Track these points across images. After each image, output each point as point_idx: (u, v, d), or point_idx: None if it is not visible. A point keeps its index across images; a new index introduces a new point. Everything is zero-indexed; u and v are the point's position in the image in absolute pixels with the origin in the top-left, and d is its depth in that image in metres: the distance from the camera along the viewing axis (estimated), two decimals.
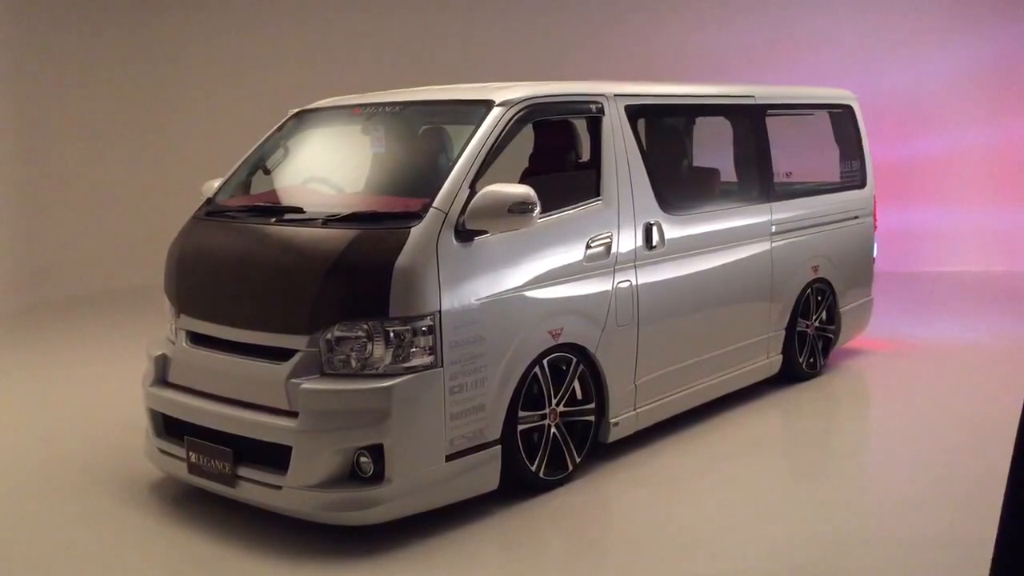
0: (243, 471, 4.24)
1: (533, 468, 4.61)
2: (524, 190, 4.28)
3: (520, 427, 4.52)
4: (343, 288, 4.11)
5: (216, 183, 5.21)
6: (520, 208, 4.25)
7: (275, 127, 5.38)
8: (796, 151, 6.85)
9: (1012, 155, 10.73)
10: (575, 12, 11.31)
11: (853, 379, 6.89)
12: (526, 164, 5.29)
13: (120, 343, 8.33)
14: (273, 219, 4.59)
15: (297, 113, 5.42)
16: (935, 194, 10.95)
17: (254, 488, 4.22)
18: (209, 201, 5.08)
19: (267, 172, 5.22)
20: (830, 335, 6.87)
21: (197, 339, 4.59)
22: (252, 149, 5.31)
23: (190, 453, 4.44)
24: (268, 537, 4.27)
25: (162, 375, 4.71)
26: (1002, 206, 10.76)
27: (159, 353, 4.72)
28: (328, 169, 5.23)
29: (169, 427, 4.65)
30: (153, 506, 4.71)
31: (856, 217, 7.10)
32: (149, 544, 4.36)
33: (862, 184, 7.21)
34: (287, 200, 4.88)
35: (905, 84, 10.68)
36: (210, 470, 4.35)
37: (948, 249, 11.01)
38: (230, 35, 11.64)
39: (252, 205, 4.88)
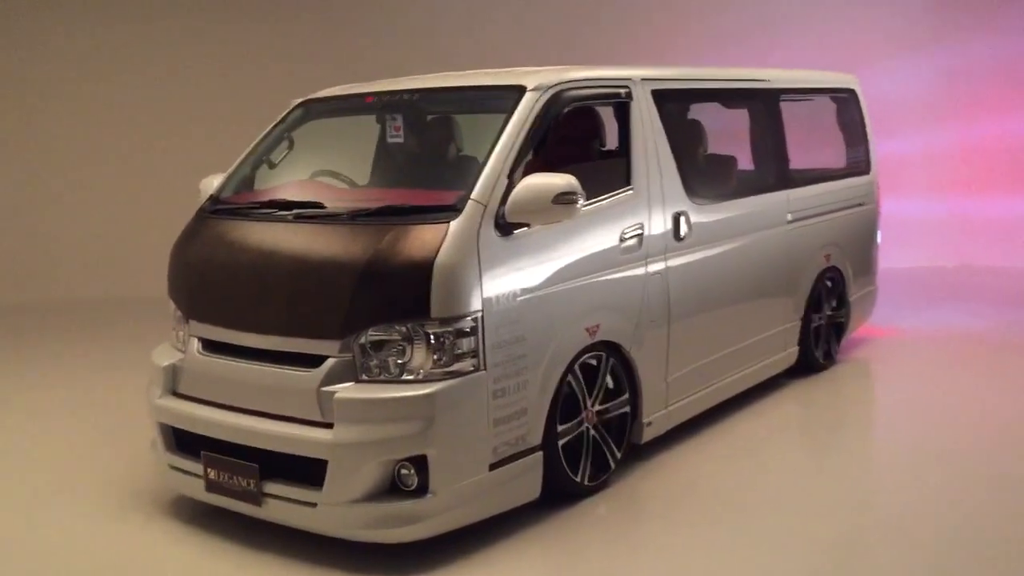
0: (270, 488, 3.93)
1: (574, 476, 4.37)
2: (568, 179, 4.01)
3: (560, 432, 4.28)
4: (379, 288, 3.80)
5: (215, 179, 4.86)
6: (565, 199, 3.99)
7: (278, 119, 5.05)
8: (804, 136, 6.67)
9: (985, 152, 10.76)
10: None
11: (863, 370, 6.75)
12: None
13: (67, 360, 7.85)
14: (291, 215, 4.27)
15: (302, 103, 5.08)
16: (921, 188, 10.88)
17: (283, 506, 3.91)
18: (213, 198, 4.73)
19: (272, 166, 4.90)
20: (842, 323, 6.73)
21: (210, 346, 4.26)
22: (255, 142, 4.97)
23: (208, 470, 4.11)
24: (292, 555, 3.97)
25: (171, 386, 4.36)
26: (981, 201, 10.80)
27: (168, 363, 4.37)
28: (339, 161, 4.92)
29: (181, 442, 4.32)
30: (166, 527, 4.37)
31: (862, 204, 6.96)
32: (168, 568, 4.04)
33: (867, 170, 7.08)
34: (301, 195, 4.53)
35: (888, 84, 10.59)
36: (232, 488, 4.02)
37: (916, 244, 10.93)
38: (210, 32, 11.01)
39: (264, 200, 4.54)
